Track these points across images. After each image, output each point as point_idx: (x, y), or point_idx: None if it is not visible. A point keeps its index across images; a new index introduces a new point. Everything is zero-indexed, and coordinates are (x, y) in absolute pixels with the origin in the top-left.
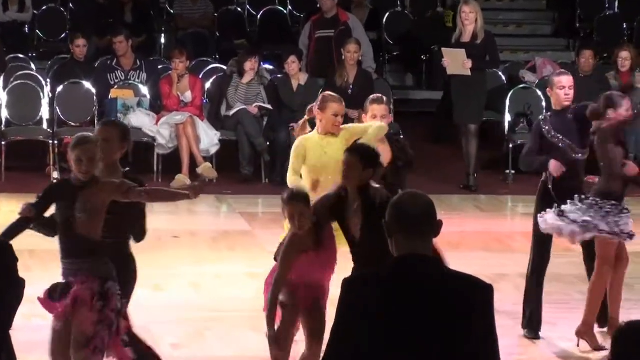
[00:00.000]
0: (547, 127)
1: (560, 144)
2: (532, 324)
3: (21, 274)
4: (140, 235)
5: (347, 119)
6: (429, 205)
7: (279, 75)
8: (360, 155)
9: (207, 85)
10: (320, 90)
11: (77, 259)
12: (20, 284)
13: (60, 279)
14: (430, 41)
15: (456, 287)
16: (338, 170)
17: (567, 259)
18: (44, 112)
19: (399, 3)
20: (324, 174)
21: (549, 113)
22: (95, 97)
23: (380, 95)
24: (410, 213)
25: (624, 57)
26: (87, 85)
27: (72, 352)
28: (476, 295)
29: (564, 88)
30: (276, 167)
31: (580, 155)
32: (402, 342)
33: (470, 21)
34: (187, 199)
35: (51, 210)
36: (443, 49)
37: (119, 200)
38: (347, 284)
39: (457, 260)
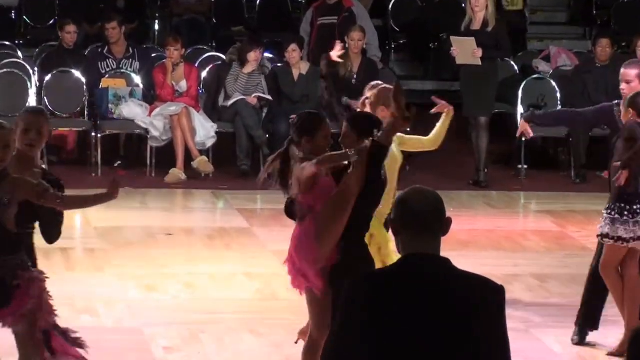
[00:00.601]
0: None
1: None
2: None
3: None
4: (54, 236)
5: (351, 111)
6: (437, 202)
7: (279, 65)
8: (352, 124)
9: (204, 74)
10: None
11: (9, 255)
12: None
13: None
14: (439, 29)
15: (466, 288)
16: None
17: (581, 258)
18: (32, 102)
19: None
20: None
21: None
22: (85, 87)
23: (380, 83)
24: (417, 210)
25: None
26: (77, 74)
27: (31, 347)
28: (487, 297)
29: (621, 82)
30: None
31: None
32: (408, 343)
33: (480, 7)
34: (109, 199)
35: None
36: (452, 38)
37: (33, 201)
38: (352, 284)
39: (467, 259)
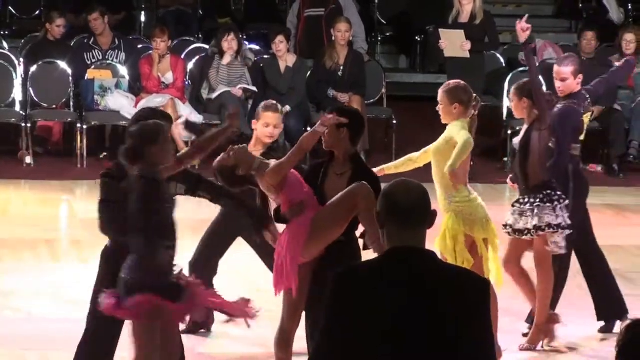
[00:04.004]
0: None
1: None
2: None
3: None
4: None
5: (338, 103)
6: (423, 195)
7: (266, 56)
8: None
9: (190, 66)
10: (309, 72)
11: None
12: None
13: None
14: (425, 21)
15: (451, 281)
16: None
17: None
18: (17, 94)
19: None
20: None
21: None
22: (70, 78)
23: (275, 102)
24: (403, 203)
25: (629, 40)
26: (63, 65)
27: None
28: (472, 290)
29: (555, 80)
30: None
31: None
32: (395, 337)
33: (468, 0)
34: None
35: None
36: (440, 30)
37: None
38: (338, 277)
39: None
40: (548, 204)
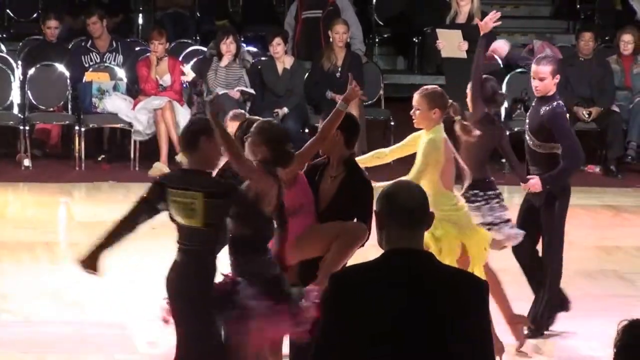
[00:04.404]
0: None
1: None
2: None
3: None
4: None
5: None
6: (424, 197)
7: (263, 58)
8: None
9: (187, 68)
10: (307, 74)
11: None
12: None
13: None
14: (422, 23)
15: (450, 282)
16: None
17: (564, 253)
18: (15, 96)
19: None
20: None
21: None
22: (68, 81)
23: (243, 112)
24: (403, 205)
25: (627, 41)
26: (61, 67)
27: None
28: (470, 291)
29: (534, 79)
30: None
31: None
32: (394, 338)
33: (466, 1)
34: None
35: None
36: (438, 30)
37: None
38: (335, 279)
39: None
40: (471, 204)
